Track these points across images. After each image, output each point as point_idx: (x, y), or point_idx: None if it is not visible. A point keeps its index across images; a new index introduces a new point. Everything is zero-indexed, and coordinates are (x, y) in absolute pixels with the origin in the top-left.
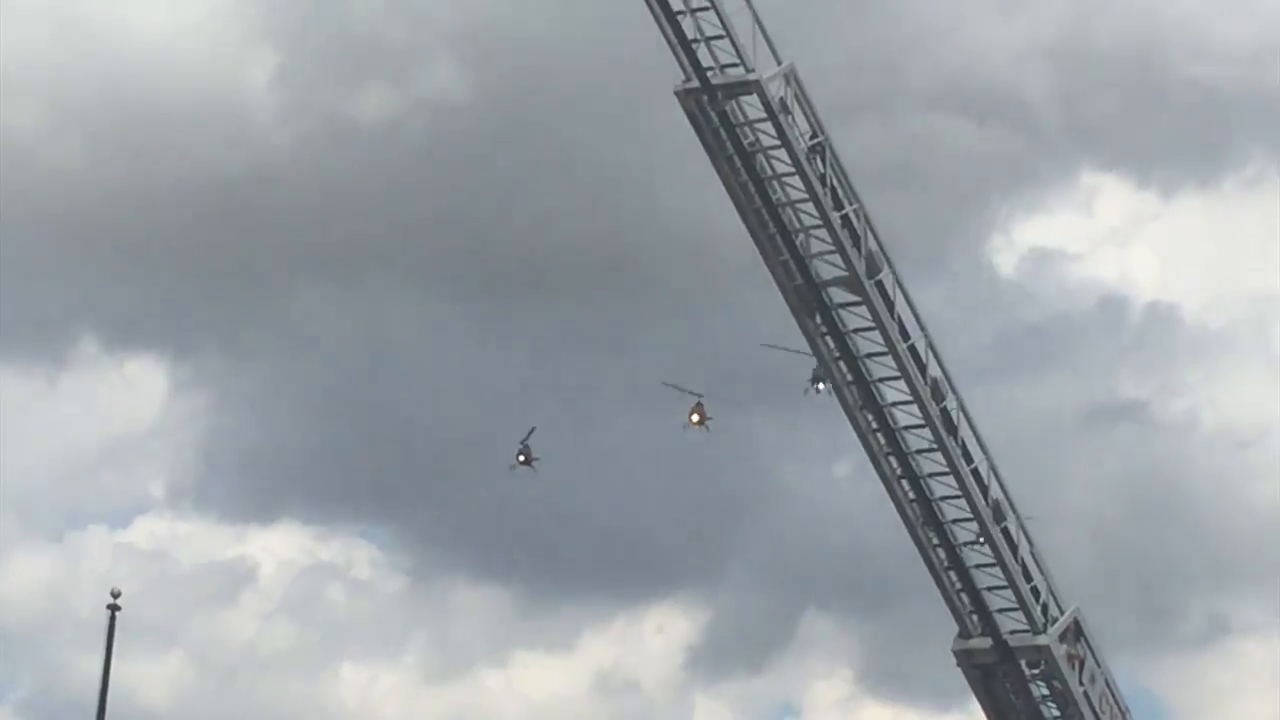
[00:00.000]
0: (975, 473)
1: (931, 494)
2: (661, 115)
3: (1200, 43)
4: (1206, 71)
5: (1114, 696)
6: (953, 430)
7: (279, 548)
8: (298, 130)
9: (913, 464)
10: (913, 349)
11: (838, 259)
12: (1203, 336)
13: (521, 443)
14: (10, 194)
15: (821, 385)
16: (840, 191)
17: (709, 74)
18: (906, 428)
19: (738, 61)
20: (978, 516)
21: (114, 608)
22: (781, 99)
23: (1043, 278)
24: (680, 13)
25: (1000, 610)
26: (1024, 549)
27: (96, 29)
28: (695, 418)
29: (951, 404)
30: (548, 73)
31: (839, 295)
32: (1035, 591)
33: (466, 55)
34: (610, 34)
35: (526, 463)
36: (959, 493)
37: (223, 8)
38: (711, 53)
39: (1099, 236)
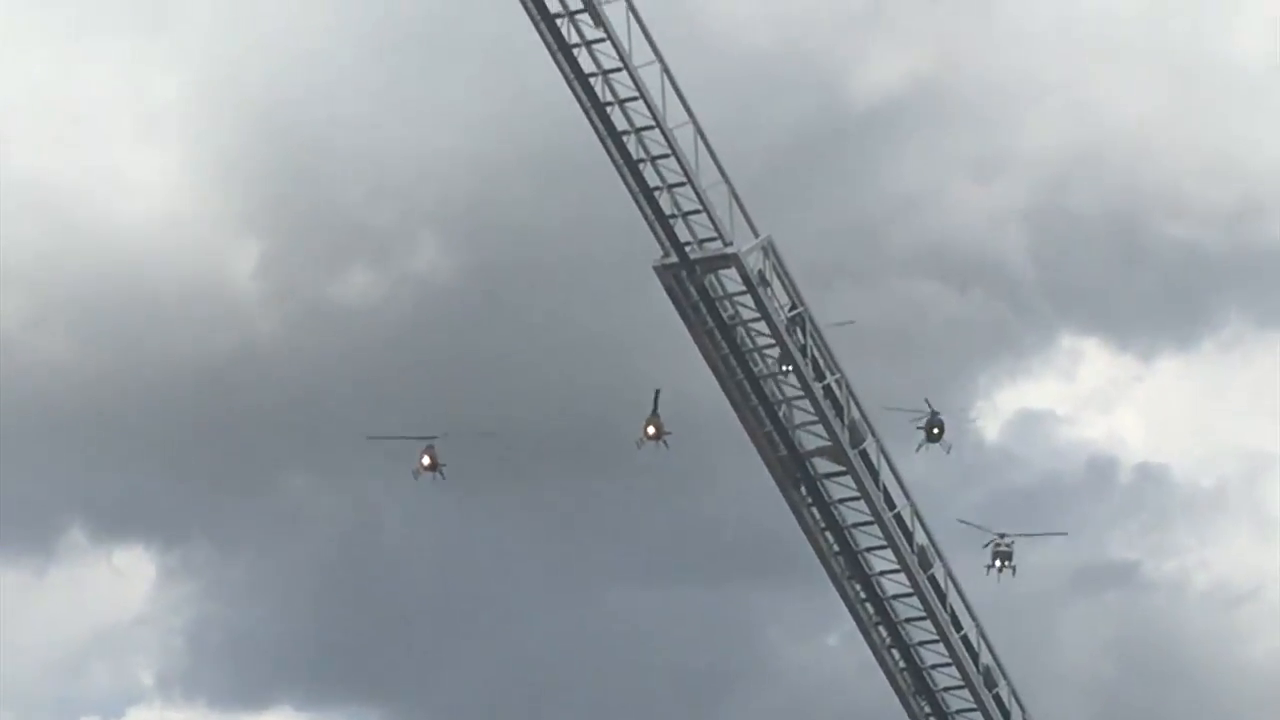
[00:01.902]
0: (965, 639)
1: (922, 662)
2: (643, 290)
3: (1177, 204)
4: (1184, 233)
5: None
6: (942, 597)
7: None
8: (282, 315)
9: (902, 633)
10: (899, 517)
11: (821, 429)
12: (1193, 496)
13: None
14: None
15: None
16: (821, 362)
17: (687, 249)
18: (895, 596)
19: (715, 235)
20: (969, 684)
21: None
22: (760, 271)
23: (1029, 442)
24: (657, 189)
25: None
26: (1016, 716)
27: (80, 220)
28: (651, 430)
29: (939, 571)
30: (530, 250)
31: (824, 465)
32: None
33: (448, 235)
34: (590, 211)
35: (432, 468)
36: (950, 660)
37: (206, 196)
38: (689, 228)
39: (1082, 399)
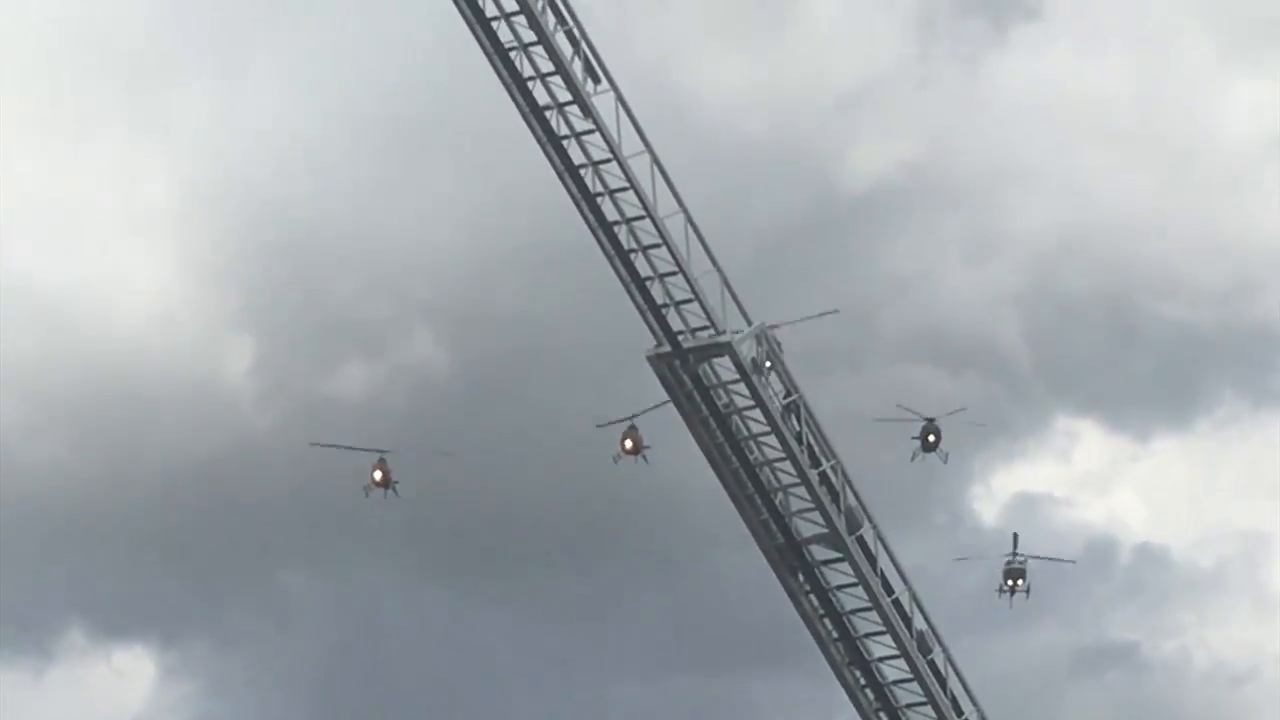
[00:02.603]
0: None
1: None
2: (636, 378)
3: (1169, 284)
4: (1176, 313)
5: None
6: (942, 682)
7: None
8: (278, 410)
9: (903, 719)
10: (897, 603)
11: (817, 516)
12: (1192, 576)
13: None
14: None
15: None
16: (817, 448)
17: (680, 337)
18: (895, 682)
19: (708, 324)
20: None
21: None
22: (754, 359)
23: (1028, 524)
24: (649, 278)
25: None
26: None
27: (74, 321)
28: (629, 444)
29: (939, 656)
30: (523, 341)
31: (821, 552)
32: None
33: (442, 327)
34: (582, 301)
35: (384, 484)
36: None
37: (199, 294)
38: (682, 316)
39: (1079, 481)
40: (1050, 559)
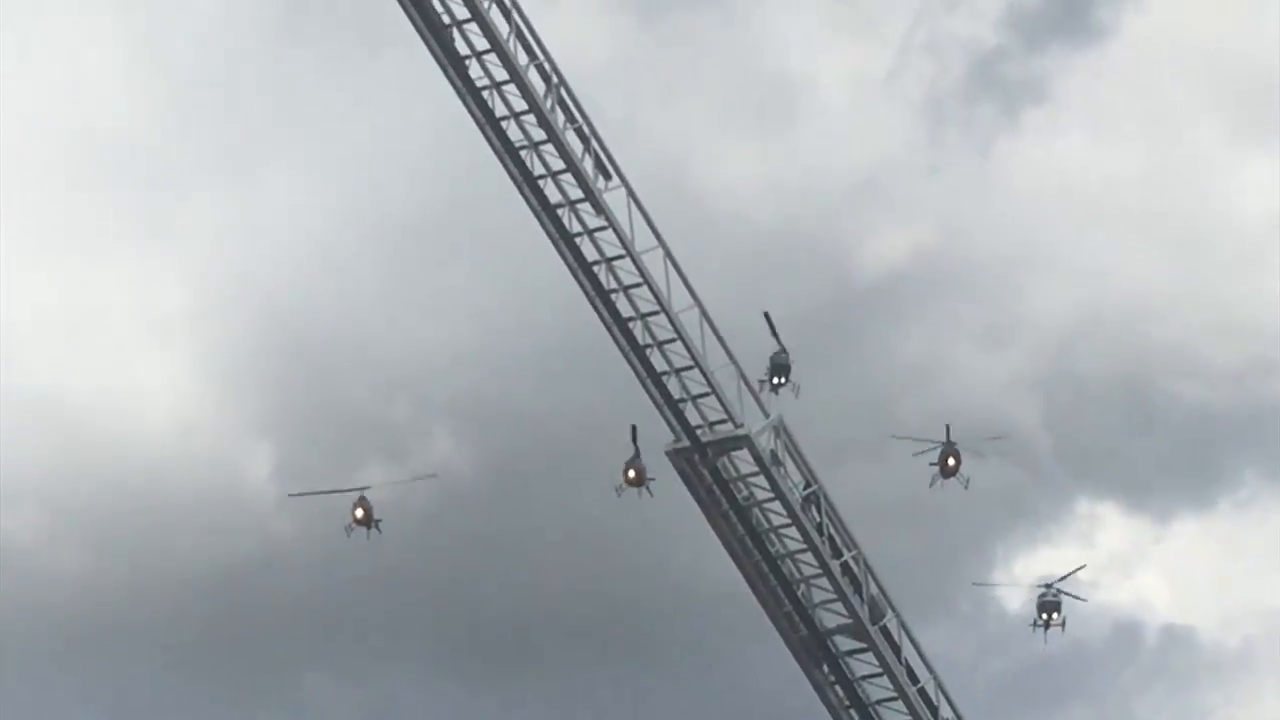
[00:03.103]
0: None
1: None
2: (656, 473)
3: (1186, 365)
4: (1194, 393)
5: None
6: None
7: None
8: (299, 516)
9: None
10: (923, 691)
11: (840, 607)
12: (1219, 657)
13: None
14: (14, 601)
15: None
16: (838, 539)
17: (698, 432)
18: None
19: (726, 417)
20: None
21: None
22: (772, 451)
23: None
24: (665, 373)
25: None
26: None
27: (93, 431)
28: (631, 474)
29: None
30: (543, 440)
31: (845, 643)
32: None
33: (461, 428)
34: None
35: (365, 521)
36: None
37: (218, 402)
38: (699, 411)
39: (1103, 563)
40: (1073, 596)
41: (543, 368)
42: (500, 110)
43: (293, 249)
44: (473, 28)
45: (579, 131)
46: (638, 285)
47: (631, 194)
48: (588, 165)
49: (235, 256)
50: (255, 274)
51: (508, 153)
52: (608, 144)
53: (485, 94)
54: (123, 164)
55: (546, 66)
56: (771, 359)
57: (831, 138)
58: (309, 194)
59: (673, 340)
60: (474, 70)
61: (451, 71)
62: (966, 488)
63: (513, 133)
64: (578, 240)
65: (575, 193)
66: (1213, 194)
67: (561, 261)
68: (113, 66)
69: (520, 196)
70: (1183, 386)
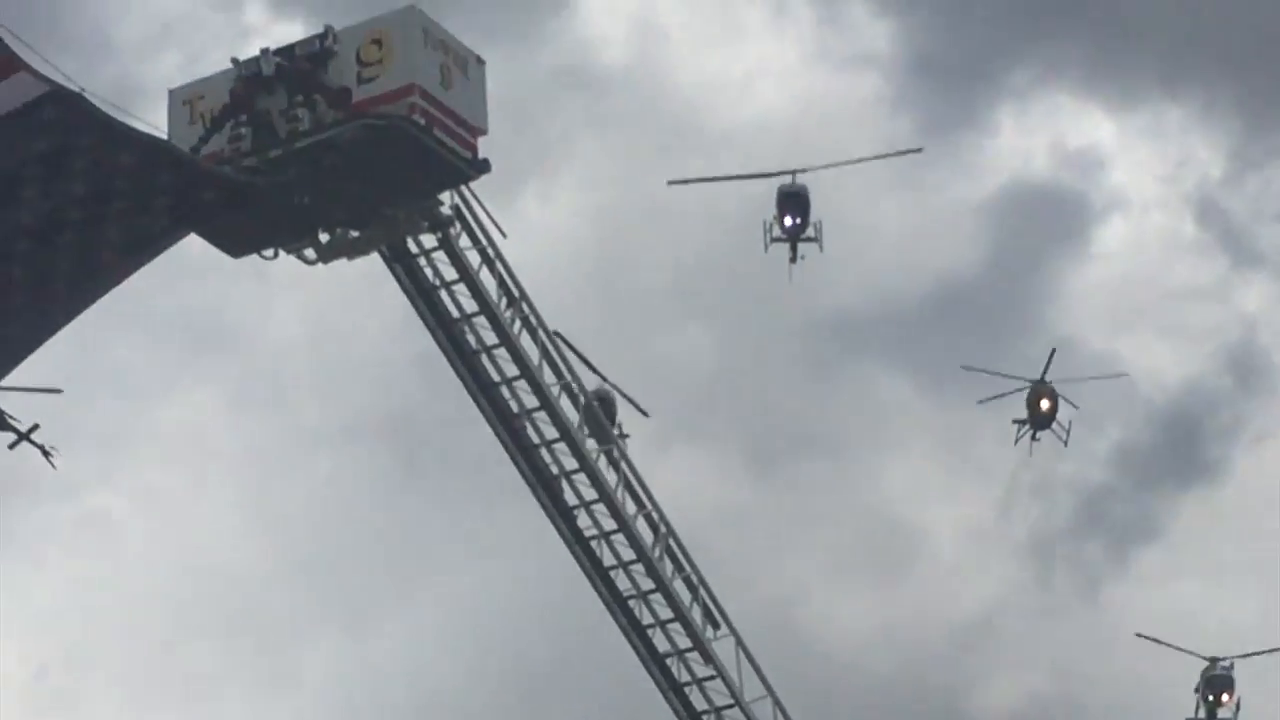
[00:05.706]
0: None
1: None
2: None
3: None
4: None
5: None
6: None
7: None
8: None
9: None
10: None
11: None
12: None
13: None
14: None
15: None
16: None
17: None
18: None
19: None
20: None
21: None
22: None
23: None
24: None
25: None
26: None
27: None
28: None
29: None
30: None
31: None
32: None
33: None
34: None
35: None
36: None
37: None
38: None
39: None
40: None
41: None
42: (608, 560)
43: (410, 696)
44: (581, 478)
45: (687, 580)
46: None
47: (740, 643)
48: (696, 614)
49: (350, 704)
50: None
51: (616, 603)
52: (716, 592)
53: (593, 544)
54: (236, 614)
55: (655, 515)
56: None
57: (941, 582)
58: (424, 641)
59: None
60: (582, 520)
61: (560, 521)
62: (1066, 445)
63: (621, 582)
64: (686, 690)
65: (684, 642)
66: None
67: (671, 711)
68: (228, 518)
69: (629, 645)
70: None
